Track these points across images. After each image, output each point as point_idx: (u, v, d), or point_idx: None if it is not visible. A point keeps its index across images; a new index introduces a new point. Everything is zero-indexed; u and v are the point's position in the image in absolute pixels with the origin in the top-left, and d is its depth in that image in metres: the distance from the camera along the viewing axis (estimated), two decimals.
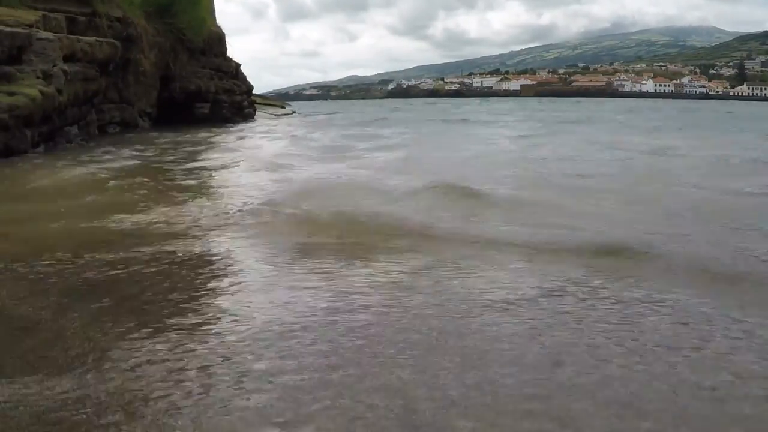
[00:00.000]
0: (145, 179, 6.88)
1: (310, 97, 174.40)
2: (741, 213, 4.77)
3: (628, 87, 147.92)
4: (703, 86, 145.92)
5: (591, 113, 29.94)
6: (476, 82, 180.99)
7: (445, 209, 4.81)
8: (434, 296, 2.84)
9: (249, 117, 22.96)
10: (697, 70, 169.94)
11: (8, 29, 9.14)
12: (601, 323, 2.50)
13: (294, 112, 34.25)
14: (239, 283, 3.13)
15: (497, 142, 12.52)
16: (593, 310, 2.65)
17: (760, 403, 1.86)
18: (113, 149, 10.00)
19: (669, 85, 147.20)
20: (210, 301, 2.85)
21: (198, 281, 3.16)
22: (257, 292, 2.95)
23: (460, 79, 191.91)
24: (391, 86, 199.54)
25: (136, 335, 2.37)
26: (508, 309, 2.66)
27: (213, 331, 2.45)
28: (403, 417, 1.76)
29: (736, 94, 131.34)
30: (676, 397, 1.90)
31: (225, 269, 3.37)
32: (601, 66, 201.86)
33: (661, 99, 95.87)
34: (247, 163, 8.60)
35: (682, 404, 1.86)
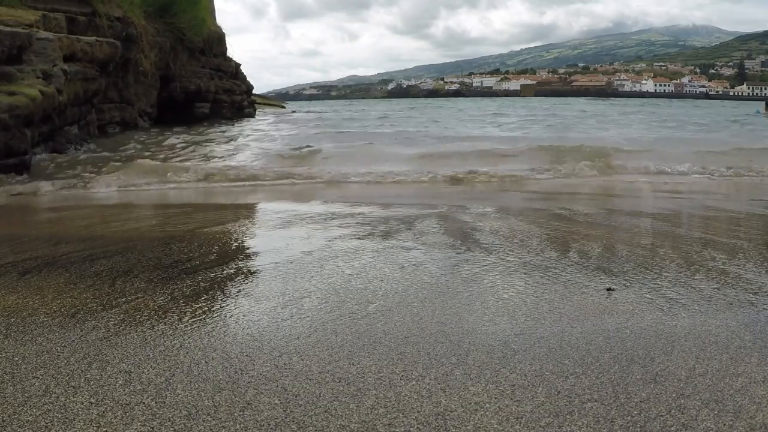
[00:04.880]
0: None
1: (310, 97, 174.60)
2: None
3: (628, 87, 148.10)
4: (703, 86, 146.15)
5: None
6: (476, 81, 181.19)
7: None
8: None
9: (249, 117, 22.96)
10: (697, 70, 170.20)
11: (8, 29, 9.12)
12: None
13: (294, 111, 34.29)
14: None
15: None
16: None
17: None
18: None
19: (669, 85, 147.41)
20: None
21: None
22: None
23: (460, 79, 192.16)
24: (391, 86, 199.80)
25: None
26: None
27: None
28: None
29: (736, 93, 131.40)
30: None
31: None
32: (601, 66, 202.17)
33: (665, 98, 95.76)
34: None
35: None
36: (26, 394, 1.94)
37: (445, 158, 9.26)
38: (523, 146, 10.14)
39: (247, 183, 7.41)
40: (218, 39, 21.85)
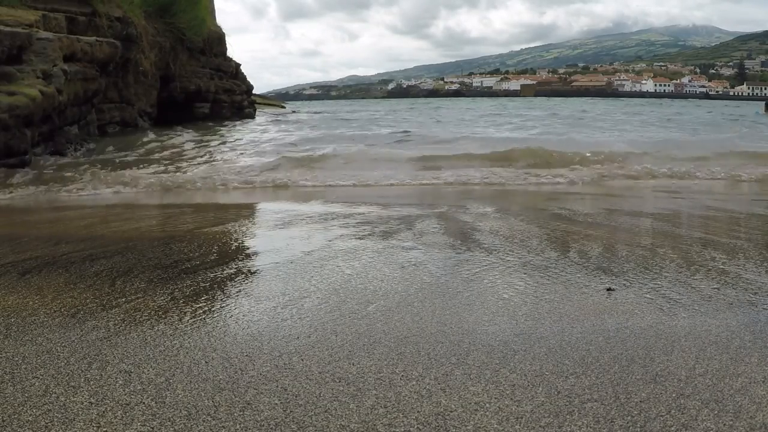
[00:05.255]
0: None
1: (310, 97, 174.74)
2: None
3: (628, 87, 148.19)
4: (703, 86, 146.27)
5: None
6: (476, 81, 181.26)
7: None
8: None
9: (249, 117, 22.93)
10: (697, 70, 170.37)
11: (8, 29, 9.12)
12: None
13: (294, 111, 34.29)
14: None
15: None
16: None
17: None
18: None
19: (669, 85, 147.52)
20: None
21: None
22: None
23: (460, 79, 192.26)
24: (391, 86, 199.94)
25: None
26: None
27: None
28: None
29: (736, 93, 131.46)
30: None
31: None
32: (601, 66, 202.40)
33: (666, 99, 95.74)
34: None
35: None
36: (26, 394, 1.94)
37: (446, 161, 9.23)
38: (525, 148, 10.05)
39: (244, 187, 7.40)
40: (218, 39, 21.84)
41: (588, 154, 9.32)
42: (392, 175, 7.81)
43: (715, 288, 3.02)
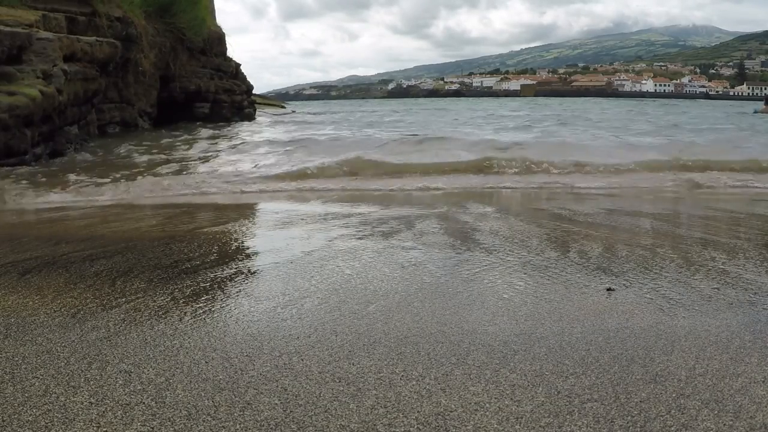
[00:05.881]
0: None
1: (310, 97, 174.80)
2: None
3: (628, 87, 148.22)
4: (703, 86, 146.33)
5: None
6: (476, 82, 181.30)
7: None
8: None
9: (249, 117, 22.92)
10: (697, 70, 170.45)
11: (8, 29, 9.13)
12: None
13: (293, 111, 34.29)
14: None
15: None
16: None
17: None
18: None
19: (669, 85, 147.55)
20: None
21: None
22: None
23: (460, 79, 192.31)
24: (391, 86, 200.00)
25: None
26: None
27: None
28: None
29: (736, 93, 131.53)
30: None
31: None
32: (601, 66, 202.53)
33: (672, 99, 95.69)
34: None
35: None
36: (26, 394, 1.94)
37: (450, 166, 9.17)
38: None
39: (245, 189, 7.39)
40: (218, 39, 21.85)
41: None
42: (393, 180, 7.79)
43: (715, 288, 3.02)
